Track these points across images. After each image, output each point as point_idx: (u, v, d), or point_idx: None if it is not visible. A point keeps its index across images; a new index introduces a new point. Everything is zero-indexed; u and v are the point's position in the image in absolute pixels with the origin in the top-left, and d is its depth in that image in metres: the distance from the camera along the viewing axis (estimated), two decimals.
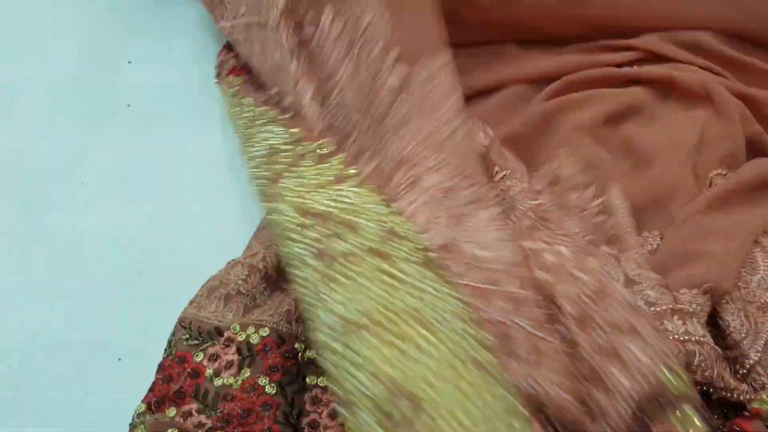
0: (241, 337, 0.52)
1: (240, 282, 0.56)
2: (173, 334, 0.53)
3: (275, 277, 0.58)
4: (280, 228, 0.52)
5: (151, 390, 0.50)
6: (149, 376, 0.51)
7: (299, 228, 0.50)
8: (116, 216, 0.65)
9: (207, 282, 0.57)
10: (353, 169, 0.54)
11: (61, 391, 0.53)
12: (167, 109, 0.75)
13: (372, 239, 0.49)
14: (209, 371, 0.51)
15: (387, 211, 0.51)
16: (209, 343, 0.52)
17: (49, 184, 0.68)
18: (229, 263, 0.58)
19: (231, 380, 0.50)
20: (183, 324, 0.54)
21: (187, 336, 0.53)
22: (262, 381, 0.49)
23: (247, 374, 0.50)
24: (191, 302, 0.56)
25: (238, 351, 0.52)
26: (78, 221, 0.64)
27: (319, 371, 0.51)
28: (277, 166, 0.56)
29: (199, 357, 0.52)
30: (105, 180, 0.68)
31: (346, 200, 0.51)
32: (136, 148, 0.71)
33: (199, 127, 0.73)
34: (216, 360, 0.52)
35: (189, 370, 0.51)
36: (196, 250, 0.62)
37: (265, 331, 0.52)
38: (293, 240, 0.50)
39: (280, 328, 0.53)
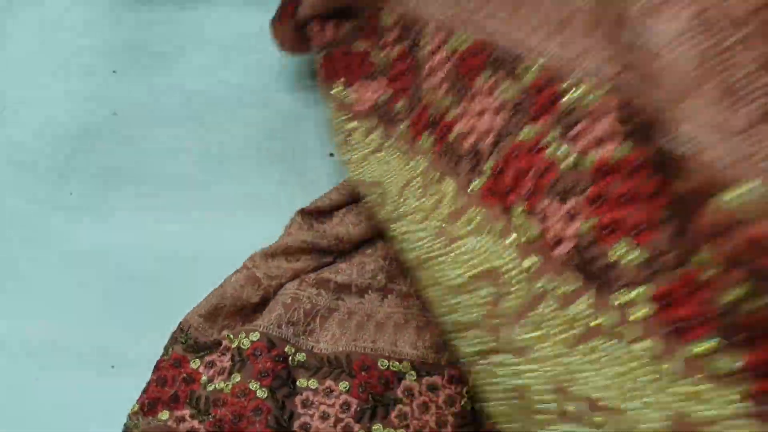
0: (234, 344, 0.53)
1: (249, 305, 0.56)
2: (172, 334, 0.54)
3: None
4: (526, 406, 0.37)
5: (145, 391, 0.51)
6: (142, 384, 0.52)
7: (557, 417, 0.36)
8: (106, 223, 0.65)
9: (218, 289, 0.56)
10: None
11: (55, 399, 0.53)
12: (154, 117, 0.75)
13: None
14: (204, 378, 0.52)
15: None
16: (206, 352, 0.53)
17: (38, 192, 0.68)
18: (247, 270, 0.57)
19: (222, 385, 0.50)
20: (182, 327, 0.54)
21: (184, 340, 0.54)
22: (253, 386, 0.50)
23: (238, 379, 0.50)
24: (195, 308, 0.55)
25: (231, 357, 0.52)
26: (68, 229, 0.65)
27: (310, 374, 0.51)
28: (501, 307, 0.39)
29: (196, 364, 0.52)
30: (93, 188, 0.68)
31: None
32: (124, 155, 0.71)
33: (190, 130, 0.73)
34: (212, 367, 0.52)
35: (184, 374, 0.52)
36: (188, 256, 0.62)
37: (255, 336, 0.53)
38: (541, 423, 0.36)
39: (270, 332, 0.53)
